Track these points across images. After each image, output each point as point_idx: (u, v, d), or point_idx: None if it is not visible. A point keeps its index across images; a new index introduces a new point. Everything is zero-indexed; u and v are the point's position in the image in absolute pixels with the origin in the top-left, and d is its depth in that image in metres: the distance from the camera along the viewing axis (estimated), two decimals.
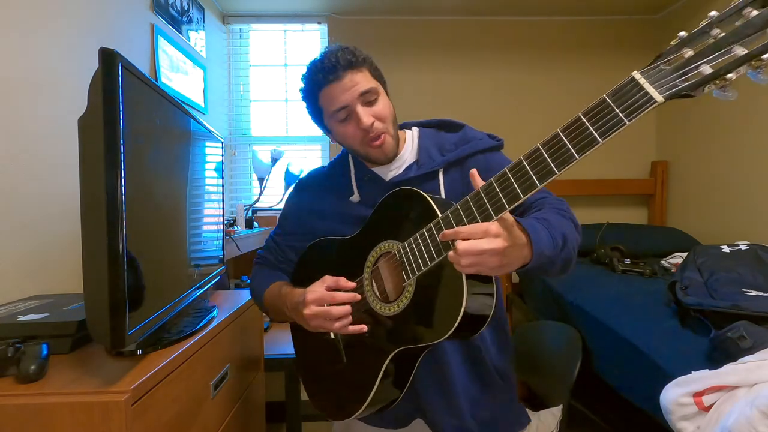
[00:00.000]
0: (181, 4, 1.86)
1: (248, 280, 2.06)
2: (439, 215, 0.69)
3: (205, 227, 1.13)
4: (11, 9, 0.98)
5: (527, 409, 1.00)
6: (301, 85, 0.86)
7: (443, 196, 0.84)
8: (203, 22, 2.09)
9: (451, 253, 0.62)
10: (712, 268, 1.30)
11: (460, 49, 2.45)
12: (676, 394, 0.92)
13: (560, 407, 1.48)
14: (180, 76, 1.81)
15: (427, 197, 0.73)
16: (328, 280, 0.79)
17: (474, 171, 0.66)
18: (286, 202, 1.03)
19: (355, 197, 0.91)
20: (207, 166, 1.14)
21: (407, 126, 0.95)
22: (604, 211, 2.47)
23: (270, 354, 1.49)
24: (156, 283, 0.80)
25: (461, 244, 0.59)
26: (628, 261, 1.80)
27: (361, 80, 0.80)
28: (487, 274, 0.64)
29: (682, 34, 0.51)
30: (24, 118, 1.00)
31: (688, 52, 0.50)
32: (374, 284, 0.82)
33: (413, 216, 0.75)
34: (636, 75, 0.52)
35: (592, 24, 2.47)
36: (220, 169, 1.25)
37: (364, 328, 0.77)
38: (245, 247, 1.76)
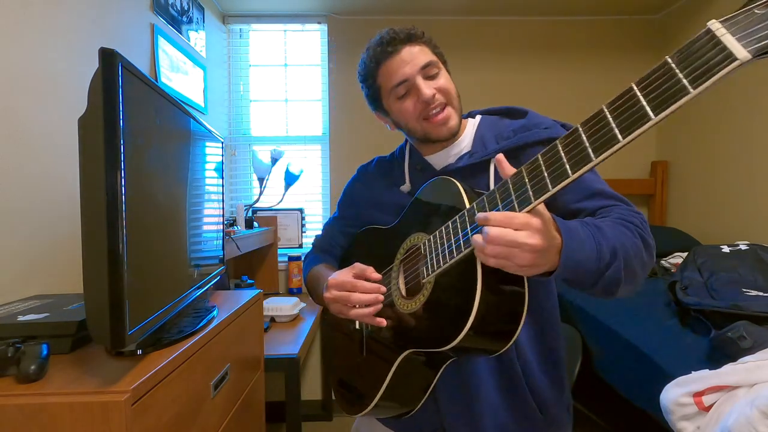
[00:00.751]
0: (181, 4, 1.86)
1: (248, 280, 2.07)
2: (466, 206, 0.63)
3: (205, 227, 1.13)
4: (11, 9, 0.98)
5: None
6: (360, 68, 0.83)
7: (491, 187, 0.76)
8: (203, 22, 2.09)
9: (476, 236, 0.55)
10: (712, 268, 1.30)
11: (460, 49, 2.45)
12: (676, 394, 0.92)
13: None
14: (180, 76, 1.81)
15: (460, 186, 0.68)
16: (357, 267, 0.77)
17: (501, 156, 0.58)
18: (346, 187, 1.02)
19: (406, 186, 0.87)
20: (207, 166, 1.14)
21: (471, 115, 0.89)
22: None
23: (270, 354, 1.49)
24: (156, 283, 0.80)
25: (493, 230, 0.52)
26: None
27: (420, 53, 0.77)
28: (510, 271, 0.55)
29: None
30: (24, 118, 1.00)
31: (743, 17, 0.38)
32: (401, 277, 0.78)
33: (444, 207, 0.70)
34: (713, 25, 0.40)
35: (592, 24, 2.47)
36: (220, 169, 1.25)
37: (383, 322, 0.72)
38: (245, 247, 1.76)
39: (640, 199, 2.55)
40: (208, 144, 1.14)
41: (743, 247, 1.38)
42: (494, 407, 0.75)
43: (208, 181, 1.14)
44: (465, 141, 0.82)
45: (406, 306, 0.74)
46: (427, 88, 0.75)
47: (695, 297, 1.19)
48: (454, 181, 0.70)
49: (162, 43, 1.66)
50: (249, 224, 2.11)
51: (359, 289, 0.74)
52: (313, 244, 1.08)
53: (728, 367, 0.88)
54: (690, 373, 0.93)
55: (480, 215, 0.55)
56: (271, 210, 2.32)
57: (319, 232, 1.09)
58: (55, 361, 0.71)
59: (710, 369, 0.91)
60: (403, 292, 0.77)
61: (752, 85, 1.84)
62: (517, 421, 0.76)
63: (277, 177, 2.23)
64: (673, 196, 2.43)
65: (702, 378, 0.90)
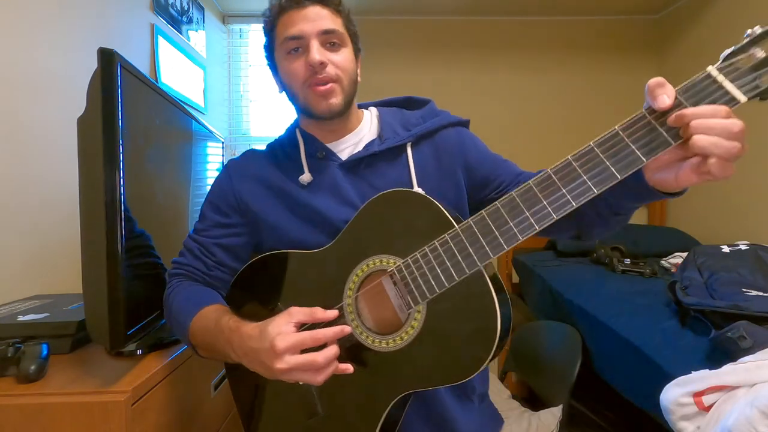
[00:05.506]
0: (181, 4, 1.86)
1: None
2: (455, 224, 0.58)
3: None
4: (11, 9, 0.98)
5: (526, 409, 0.95)
6: (265, 14, 0.75)
7: (413, 172, 0.72)
8: (203, 22, 2.09)
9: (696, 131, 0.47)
10: (712, 268, 1.30)
11: (460, 49, 2.45)
12: (676, 394, 0.92)
13: (560, 407, 1.48)
14: (180, 76, 1.81)
15: (436, 201, 0.62)
16: (297, 313, 0.58)
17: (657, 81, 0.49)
18: (212, 189, 0.80)
19: (306, 177, 0.74)
20: (207, 166, 1.14)
21: (364, 106, 0.84)
22: None
23: None
24: (156, 283, 0.80)
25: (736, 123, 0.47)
26: (628, 261, 1.80)
27: (328, 19, 0.70)
28: (728, 161, 0.49)
29: (749, 31, 0.47)
30: (24, 117, 1.00)
31: (759, 53, 0.46)
32: (359, 312, 0.65)
33: (419, 225, 0.61)
34: (712, 70, 0.47)
35: (592, 24, 2.46)
36: (220, 170, 1.25)
37: (350, 368, 0.59)
38: None
39: None
40: (208, 144, 1.14)
41: (743, 247, 1.38)
42: (449, 405, 0.73)
43: (208, 181, 1.14)
44: (365, 130, 0.79)
45: (386, 343, 0.62)
46: (317, 53, 0.68)
47: (695, 297, 1.19)
48: (424, 195, 0.63)
49: (162, 43, 1.66)
50: None
51: (322, 341, 0.57)
52: (172, 272, 0.77)
53: (728, 367, 0.88)
54: (690, 373, 0.93)
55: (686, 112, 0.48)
56: None
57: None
58: (55, 361, 0.71)
59: (710, 369, 0.91)
60: (373, 329, 0.64)
61: None
62: (466, 411, 0.75)
63: None
64: None
65: (702, 378, 0.90)
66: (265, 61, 0.79)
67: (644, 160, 0.50)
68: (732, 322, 0.98)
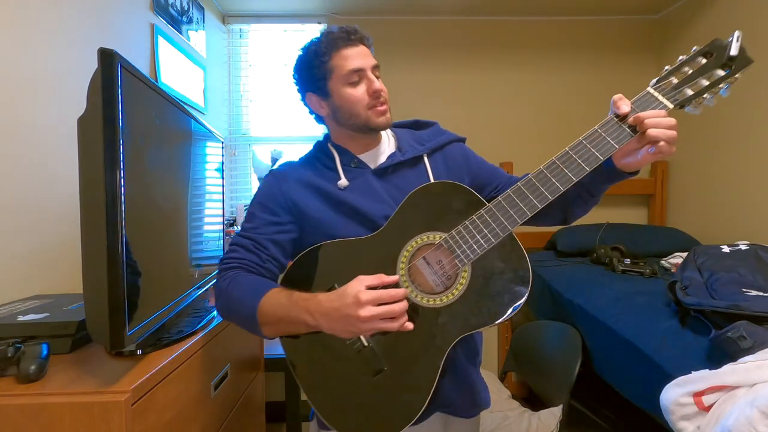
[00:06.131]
0: (181, 4, 1.86)
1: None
2: (486, 202, 0.78)
3: (206, 227, 1.13)
4: (11, 9, 0.98)
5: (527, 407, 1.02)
6: (309, 48, 0.88)
7: (431, 177, 0.90)
8: (203, 22, 2.09)
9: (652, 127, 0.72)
10: (712, 268, 1.29)
11: (460, 49, 2.45)
12: (676, 394, 0.92)
13: (560, 407, 1.48)
14: (180, 76, 1.81)
15: (466, 187, 0.81)
16: (365, 279, 0.73)
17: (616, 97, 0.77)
18: (259, 193, 0.91)
19: (343, 181, 0.88)
20: (207, 166, 1.14)
21: None
22: (604, 211, 2.47)
23: (270, 354, 1.49)
24: (156, 283, 0.80)
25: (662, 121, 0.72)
26: (628, 261, 1.80)
27: (371, 55, 0.89)
28: (671, 144, 0.72)
29: (667, 67, 0.76)
30: (24, 117, 1.00)
31: (674, 80, 0.75)
32: (411, 280, 0.81)
33: (456, 206, 0.80)
34: (650, 90, 0.76)
35: (592, 24, 2.46)
36: (220, 169, 1.25)
37: (410, 325, 0.74)
38: None
39: (640, 199, 2.55)
40: (208, 144, 1.14)
41: (743, 247, 1.38)
42: (465, 365, 0.89)
43: (208, 181, 1.14)
44: (386, 145, 0.96)
45: (439, 300, 0.78)
46: (379, 83, 0.87)
47: (695, 297, 1.19)
48: (460, 184, 0.82)
49: (162, 43, 1.66)
50: None
51: (394, 297, 0.72)
52: (226, 266, 0.85)
53: (728, 367, 0.88)
54: (690, 373, 0.93)
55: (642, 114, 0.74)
56: None
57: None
58: (55, 361, 0.71)
59: (710, 369, 0.91)
60: (423, 291, 0.80)
61: (752, 85, 1.84)
62: (474, 370, 0.92)
63: None
64: (673, 196, 2.43)
65: (702, 378, 0.90)
66: (302, 89, 0.92)
67: (616, 147, 0.75)
68: (732, 322, 0.98)
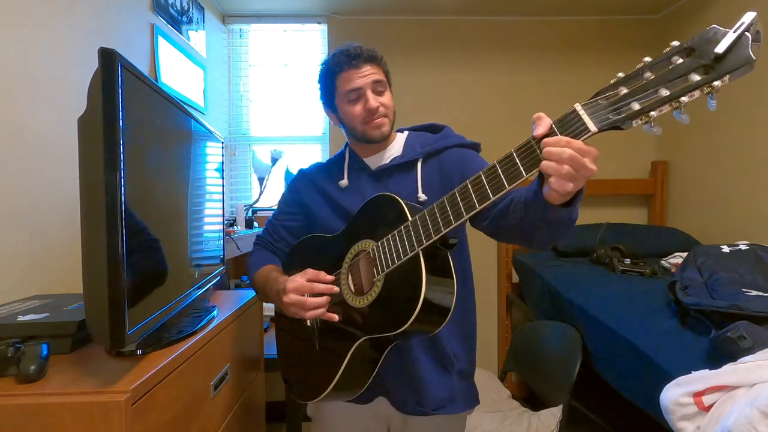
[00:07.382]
0: (181, 4, 1.86)
1: (248, 281, 2.07)
2: (409, 219, 0.78)
3: (206, 227, 1.13)
4: (11, 9, 0.98)
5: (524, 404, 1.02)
6: (322, 67, 1.00)
7: (419, 183, 0.94)
8: (203, 22, 2.09)
9: (551, 155, 0.59)
10: (712, 268, 1.30)
11: (460, 49, 2.45)
12: (676, 394, 0.92)
13: (560, 407, 1.48)
14: (180, 76, 1.81)
15: (401, 202, 0.82)
16: (310, 272, 0.88)
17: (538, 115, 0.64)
18: (289, 186, 1.12)
19: (344, 182, 1.01)
20: (207, 166, 1.14)
21: (401, 130, 1.08)
22: (604, 211, 2.47)
23: (270, 354, 1.48)
24: (156, 283, 0.80)
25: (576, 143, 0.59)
26: (628, 261, 1.81)
27: (375, 72, 0.95)
28: (576, 181, 0.61)
29: (620, 74, 0.59)
30: (24, 117, 1.00)
31: (623, 90, 0.58)
32: (350, 279, 0.91)
33: (388, 219, 0.84)
34: (577, 107, 0.60)
35: (592, 24, 2.47)
36: (220, 169, 1.25)
37: (335, 317, 0.86)
38: (245, 247, 1.76)
39: (640, 199, 2.55)
40: (208, 144, 1.14)
41: (743, 247, 1.38)
42: (424, 365, 0.93)
43: (208, 181, 1.14)
44: (395, 147, 1.02)
45: (358, 302, 0.86)
46: (373, 101, 0.94)
47: (695, 297, 1.19)
48: (395, 197, 0.84)
49: (162, 43, 1.66)
50: (249, 224, 2.11)
51: (316, 291, 0.86)
52: (255, 242, 1.13)
53: (728, 367, 0.89)
54: (690, 373, 0.93)
55: (550, 140, 0.61)
56: (271, 210, 2.32)
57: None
58: (55, 361, 0.71)
59: (710, 369, 0.91)
60: (353, 290, 0.89)
61: (752, 85, 1.84)
62: (441, 372, 0.95)
63: (276, 177, 2.23)
64: (673, 196, 2.43)
65: (702, 378, 0.90)
66: (323, 104, 1.04)
67: (524, 174, 0.63)
68: (732, 322, 0.98)
